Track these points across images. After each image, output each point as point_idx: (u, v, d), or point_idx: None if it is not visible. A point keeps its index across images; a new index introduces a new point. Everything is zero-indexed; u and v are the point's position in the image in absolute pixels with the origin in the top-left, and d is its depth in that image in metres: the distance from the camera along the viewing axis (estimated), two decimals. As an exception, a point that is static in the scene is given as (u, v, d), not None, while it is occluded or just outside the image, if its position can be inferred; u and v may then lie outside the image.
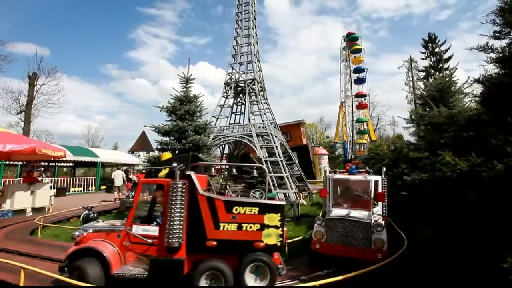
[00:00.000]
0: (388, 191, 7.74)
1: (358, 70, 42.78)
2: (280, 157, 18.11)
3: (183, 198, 4.24)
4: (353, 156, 40.88)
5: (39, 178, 14.82)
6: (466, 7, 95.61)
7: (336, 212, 6.20)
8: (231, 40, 23.49)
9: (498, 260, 3.20)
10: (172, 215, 4.14)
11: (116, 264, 4.30)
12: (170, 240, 4.10)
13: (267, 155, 18.39)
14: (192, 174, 4.45)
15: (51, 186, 13.77)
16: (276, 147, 18.70)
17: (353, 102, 42.97)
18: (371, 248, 5.38)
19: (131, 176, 16.77)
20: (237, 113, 24.46)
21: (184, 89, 10.55)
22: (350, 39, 43.21)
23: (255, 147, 18.68)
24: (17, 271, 4.62)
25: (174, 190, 4.19)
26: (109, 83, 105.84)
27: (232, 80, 22.40)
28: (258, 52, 23.44)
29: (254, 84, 21.82)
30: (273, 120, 22.80)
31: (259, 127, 20.40)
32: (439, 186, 5.53)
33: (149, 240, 4.35)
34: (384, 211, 6.22)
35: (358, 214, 5.94)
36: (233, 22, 23.72)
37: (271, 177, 16.80)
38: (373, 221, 5.72)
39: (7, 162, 18.62)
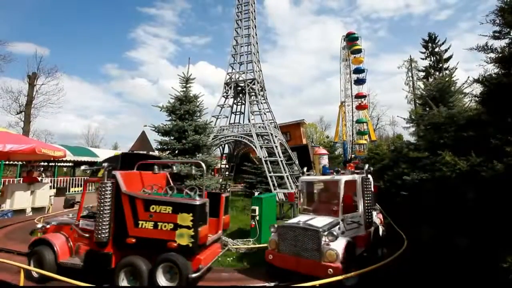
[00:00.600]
0: (378, 191, 7.49)
1: (358, 71, 42.79)
2: (280, 157, 18.11)
3: (110, 197, 4.48)
4: (353, 155, 40.93)
5: (39, 178, 14.82)
6: (466, 7, 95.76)
7: (296, 219, 5.56)
8: (231, 40, 23.53)
9: (498, 260, 3.20)
10: (101, 212, 4.40)
11: (64, 254, 4.82)
12: (98, 236, 4.37)
13: (267, 155, 18.39)
14: (117, 174, 4.66)
15: (51, 186, 13.77)
16: (276, 147, 18.70)
17: (353, 103, 43.00)
18: (321, 263, 4.52)
19: None
20: (237, 113, 24.48)
21: (184, 89, 10.56)
22: (350, 39, 43.22)
23: (255, 147, 18.68)
24: (17, 271, 4.64)
25: (101, 189, 4.48)
26: (109, 83, 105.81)
27: (232, 80, 22.40)
28: (258, 52, 23.46)
29: (254, 84, 21.83)
30: (273, 120, 22.81)
31: (259, 127, 20.41)
32: (439, 186, 5.53)
33: (87, 234, 4.75)
34: (368, 216, 5.46)
35: (317, 221, 5.10)
36: (233, 22, 23.76)
37: (271, 177, 16.81)
38: (340, 229, 5.01)
39: (7, 162, 18.61)
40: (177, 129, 9.88)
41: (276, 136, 20.26)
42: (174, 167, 6.58)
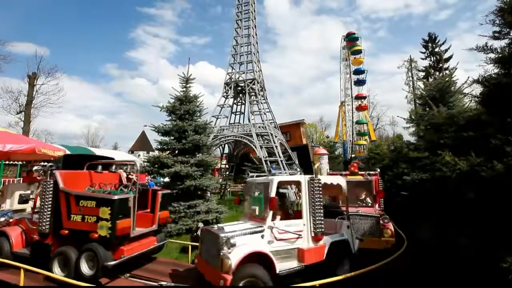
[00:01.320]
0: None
1: (358, 72, 42.79)
2: (280, 157, 18.12)
3: (51, 193, 5.10)
4: (352, 155, 40.96)
5: (39, 178, 14.81)
6: (465, 7, 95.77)
7: (227, 223, 5.21)
8: (231, 40, 23.53)
9: (498, 259, 3.20)
10: (42, 206, 5.06)
11: (18, 244, 5.52)
12: (40, 228, 5.00)
13: (267, 155, 18.40)
14: (57, 173, 5.23)
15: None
16: (276, 147, 18.70)
17: (353, 104, 43.00)
18: (219, 271, 4.02)
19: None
20: (237, 113, 24.48)
21: (184, 89, 10.56)
22: (350, 39, 43.21)
23: (255, 147, 18.68)
24: (17, 271, 4.64)
25: (43, 186, 5.17)
26: (108, 83, 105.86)
27: (232, 80, 22.40)
28: (258, 52, 23.46)
29: (254, 84, 21.82)
30: (273, 120, 22.81)
31: (259, 127, 20.40)
32: (439, 186, 5.53)
33: (34, 227, 5.35)
34: (317, 225, 4.67)
35: (235, 227, 4.75)
36: (233, 22, 23.76)
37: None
38: (263, 237, 4.45)
39: (7, 162, 18.60)
40: (177, 129, 9.88)
41: (276, 136, 20.26)
42: (113, 167, 7.03)
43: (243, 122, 23.58)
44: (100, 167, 6.23)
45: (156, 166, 9.71)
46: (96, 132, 56.59)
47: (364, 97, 43.46)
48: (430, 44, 21.50)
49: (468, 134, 5.37)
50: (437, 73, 18.11)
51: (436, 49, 21.15)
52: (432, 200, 5.83)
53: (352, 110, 43.11)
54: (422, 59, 22.26)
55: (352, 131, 43.18)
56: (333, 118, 54.50)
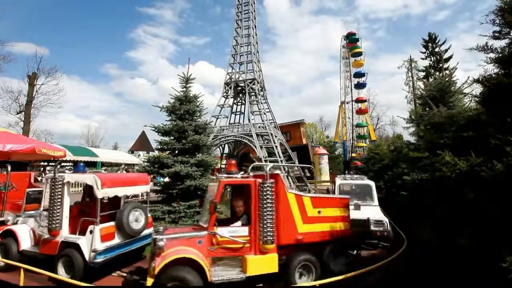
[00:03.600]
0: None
1: (358, 75, 42.75)
2: (280, 157, 18.12)
3: None
4: (353, 154, 41.06)
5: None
6: (464, 7, 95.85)
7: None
8: (231, 40, 23.52)
9: (497, 259, 3.20)
10: None
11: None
12: None
13: (267, 154, 18.39)
14: None
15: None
16: (276, 147, 18.70)
17: (353, 108, 42.99)
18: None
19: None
20: (237, 113, 24.47)
21: (184, 89, 10.55)
22: (351, 40, 43.17)
23: (255, 146, 18.68)
24: (17, 271, 4.64)
25: None
26: (108, 83, 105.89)
27: (232, 80, 22.39)
28: (258, 52, 23.45)
29: (254, 84, 21.81)
30: (273, 120, 22.80)
31: (259, 127, 20.40)
32: (439, 186, 5.52)
33: None
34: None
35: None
36: (233, 22, 23.74)
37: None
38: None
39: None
40: (177, 129, 9.88)
41: (276, 136, 20.26)
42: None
43: (243, 122, 23.57)
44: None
45: (156, 166, 9.71)
46: (96, 132, 56.63)
47: (364, 101, 43.42)
48: (430, 44, 21.48)
49: (468, 134, 5.36)
50: (437, 73, 18.09)
51: (436, 49, 21.13)
52: (432, 200, 5.82)
53: (352, 112, 43.12)
54: (422, 59, 22.25)
55: (352, 134, 43.22)
56: (333, 118, 54.48)
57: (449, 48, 20.98)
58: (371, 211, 6.99)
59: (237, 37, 23.22)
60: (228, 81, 22.38)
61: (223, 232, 4.38)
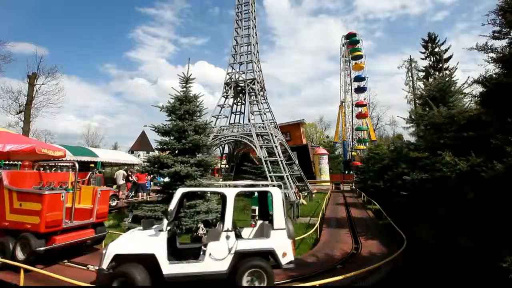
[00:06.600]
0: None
1: (358, 79, 42.71)
2: (280, 157, 18.09)
3: None
4: (353, 153, 41.11)
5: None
6: (462, 8, 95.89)
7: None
8: (231, 40, 23.50)
9: (497, 259, 3.20)
10: None
11: None
12: None
13: (267, 155, 18.37)
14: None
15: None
16: (276, 147, 18.68)
17: (353, 111, 42.99)
18: None
19: (130, 176, 16.77)
20: (237, 113, 24.45)
21: (184, 89, 10.55)
22: (351, 41, 43.17)
23: (255, 146, 18.66)
24: (17, 271, 4.64)
25: None
26: (108, 83, 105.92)
27: (232, 80, 22.37)
28: (258, 52, 23.42)
29: (254, 84, 21.80)
30: (273, 120, 22.78)
31: (259, 127, 20.38)
32: (439, 186, 5.52)
33: None
34: None
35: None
36: (233, 22, 23.73)
37: (271, 177, 16.79)
38: None
39: (7, 162, 18.59)
40: (177, 129, 9.87)
41: (276, 136, 20.25)
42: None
43: (243, 122, 23.55)
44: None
45: (156, 166, 9.71)
46: (96, 132, 56.44)
47: (364, 105, 43.40)
48: (430, 44, 21.47)
49: (468, 134, 5.36)
50: (437, 73, 18.08)
51: (436, 49, 21.11)
52: (432, 200, 5.82)
53: (352, 115, 43.15)
54: (422, 59, 22.24)
55: (352, 137, 43.28)
56: (333, 118, 54.50)
57: (448, 48, 20.98)
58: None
59: (237, 37, 23.21)
60: (228, 81, 22.36)
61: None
